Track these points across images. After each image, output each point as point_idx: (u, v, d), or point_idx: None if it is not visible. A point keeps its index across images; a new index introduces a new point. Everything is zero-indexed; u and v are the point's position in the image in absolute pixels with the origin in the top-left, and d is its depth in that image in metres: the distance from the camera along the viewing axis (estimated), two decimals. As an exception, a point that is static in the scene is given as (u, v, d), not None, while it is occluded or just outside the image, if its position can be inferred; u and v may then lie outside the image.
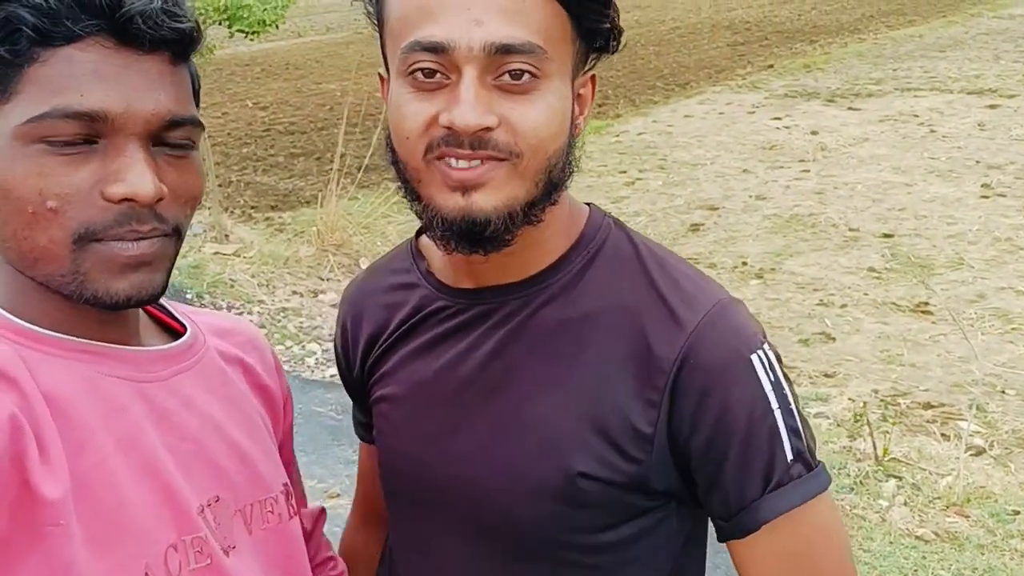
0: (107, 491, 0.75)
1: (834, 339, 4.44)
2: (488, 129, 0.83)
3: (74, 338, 0.80)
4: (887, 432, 3.49)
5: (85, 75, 0.75)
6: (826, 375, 4.08)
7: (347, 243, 5.71)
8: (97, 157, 0.76)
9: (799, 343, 4.40)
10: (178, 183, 0.80)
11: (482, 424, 0.95)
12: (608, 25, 0.89)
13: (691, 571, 1.02)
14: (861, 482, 3.25)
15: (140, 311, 0.89)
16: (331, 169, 5.85)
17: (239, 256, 5.67)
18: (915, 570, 2.83)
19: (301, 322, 4.90)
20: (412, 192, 0.90)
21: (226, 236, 5.93)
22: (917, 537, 2.97)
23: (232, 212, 6.63)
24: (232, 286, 5.27)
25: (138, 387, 0.82)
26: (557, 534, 0.93)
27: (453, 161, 0.85)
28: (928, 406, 3.79)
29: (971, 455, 3.39)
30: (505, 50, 0.82)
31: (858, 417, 3.61)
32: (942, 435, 3.54)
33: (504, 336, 0.95)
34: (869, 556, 2.89)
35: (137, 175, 0.76)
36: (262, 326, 4.78)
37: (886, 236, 5.68)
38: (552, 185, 0.89)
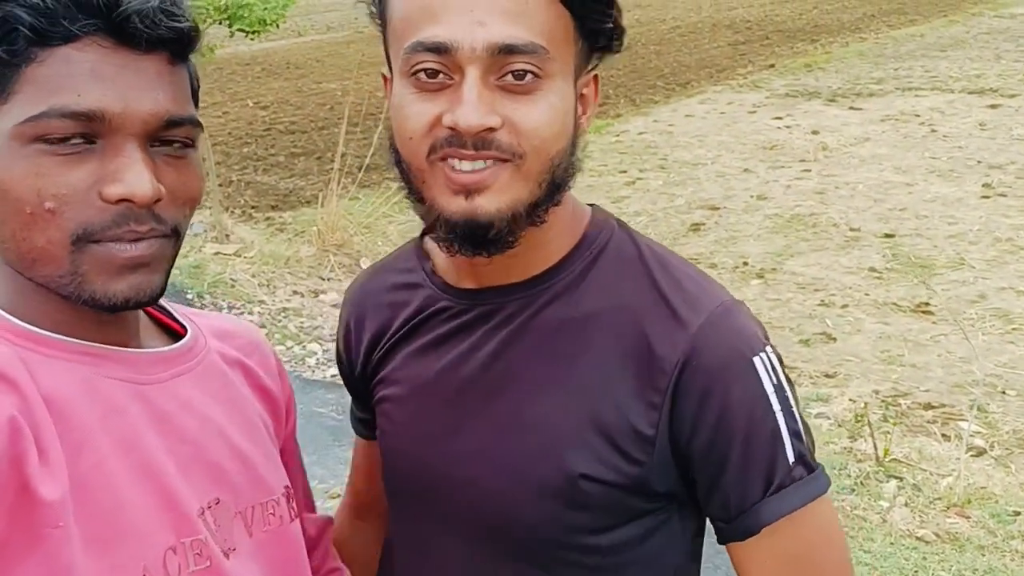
0: (105, 492, 0.75)
1: (835, 339, 4.44)
2: (491, 129, 0.83)
3: (74, 340, 0.80)
4: (888, 433, 3.48)
5: (82, 75, 0.75)
6: (827, 375, 4.08)
7: (348, 243, 5.71)
8: (95, 157, 0.76)
9: (800, 343, 4.40)
10: (177, 184, 0.80)
11: (483, 424, 0.95)
12: (611, 25, 0.89)
13: (691, 573, 1.01)
14: (862, 483, 3.25)
15: (141, 313, 0.89)
16: (332, 169, 5.85)
17: (240, 256, 5.67)
18: (916, 571, 2.83)
19: (302, 322, 4.90)
20: (415, 194, 0.90)
21: (227, 236, 5.93)
22: (918, 538, 2.97)
23: (233, 212, 6.63)
24: (233, 286, 5.26)
25: (137, 389, 0.81)
26: (557, 535, 0.93)
27: (456, 163, 0.85)
28: (929, 407, 3.79)
29: (972, 456, 3.39)
30: (508, 50, 0.82)
31: (859, 418, 3.60)
32: (943, 436, 3.54)
33: (506, 336, 0.95)
34: (870, 557, 2.89)
35: (135, 175, 0.75)
36: (263, 326, 4.78)
37: (887, 236, 5.68)
38: (555, 185, 0.89)
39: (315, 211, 6.07)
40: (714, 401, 0.88)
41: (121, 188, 0.75)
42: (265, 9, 5.69)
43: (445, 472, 0.98)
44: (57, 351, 0.78)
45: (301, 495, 1.04)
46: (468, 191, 0.85)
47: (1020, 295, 4.81)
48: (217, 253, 5.68)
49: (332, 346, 1.11)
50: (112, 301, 0.77)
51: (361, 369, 1.09)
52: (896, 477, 3.27)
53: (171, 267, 0.83)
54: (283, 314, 4.99)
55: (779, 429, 0.90)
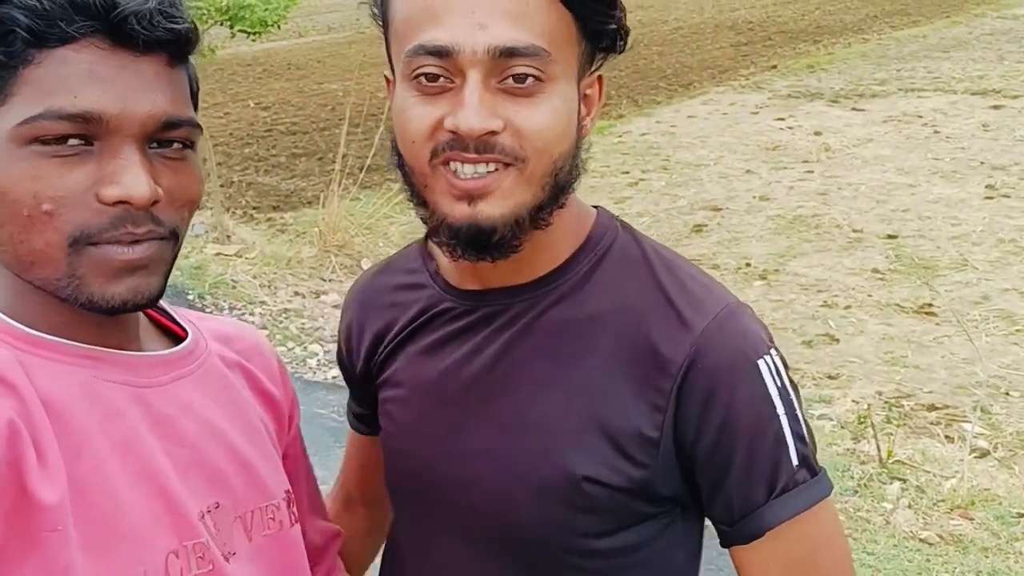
0: (104, 495, 0.75)
1: (838, 340, 4.43)
2: (493, 133, 0.83)
3: (73, 342, 0.79)
4: (891, 434, 3.48)
5: (79, 76, 0.74)
6: (830, 377, 4.07)
7: (349, 244, 5.71)
8: (92, 159, 0.75)
9: (803, 344, 4.39)
10: (175, 186, 0.79)
11: (486, 425, 0.95)
12: (613, 26, 0.88)
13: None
14: (865, 484, 3.24)
15: (141, 315, 0.89)
16: (333, 170, 5.85)
17: (241, 257, 5.67)
18: (919, 573, 2.82)
19: (303, 323, 4.90)
20: (418, 197, 0.90)
21: (228, 237, 5.94)
22: (921, 540, 2.96)
23: (234, 213, 6.64)
24: (234, 287, 5.26)
25: (137, 392, 0.81)
26: (558, 537, 0.93)
27: (459, 167, 0.84)
28: (932, 408, 3.78)
29: (975, 457, 3.38)
30: (509, 53, 0.82)
31: (862, 419, 3.60)
32: (946, 437, 3.53)
33: (510, 338, 0.95)
34: (873, 559, 2.88)
35: (132, 177, 0.75)
36: (264, 327, 4.78)
37: (890, 237, 5.67)
38: (559, 188, 0.89)
39: (316, 212, 6.07)
40: (718, 403, 0.88)
41: (118, 190, 0.75)
42: (266, 10, 5.69)
43: (447, 472, 0.97)
44: (56, 354, 0.78)
45: (306, 500, 1.03)
46: (471, 197, 0.85)
47: (1023, 296, 4.80)
48: (218, 254, 5.69)
49: (333, 347, 1.12)
50: (110, 303, 0.77)
51: (363, 368, 1.08)
52: (899, 479, 3.26)
53: (170, 269, 0.82)
54: (284, 315, 4.99)
55: (783, 432, 0.89)
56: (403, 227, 5.77)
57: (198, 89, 0.86)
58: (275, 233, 6.27)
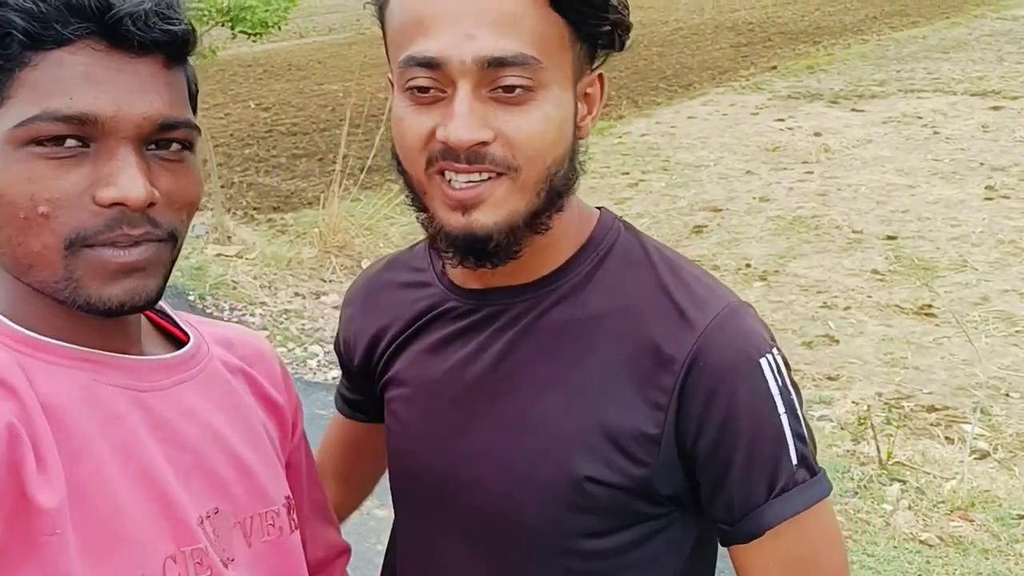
0: (103, 500, 0.75)
1: (838, 342, 4.43)
2: (484, 143, 0.83)
3: (73, 346, 0.79)
4: (891, 435, 3.48)
5: (75, 78, 0.74)
6: (829, 378, 4.07)
7: (349, 245, 5.71)
8: (89, 161, 0.75)
9: (802, 345, 4.39)
10: (173, 188, 0.79)
11: (489, 425, 0.95)
12: (608, 28, 0.88)
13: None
14: (865, 486, 3.24)
15: (143, 319, 0.88)
16: (333, 170, 5.85)
17: (241, 258, 5.67)
18: (919, 575, 2.82)
19: (303, 324, 4.90)
20: (418, 203, 0.90)
21: (228, 238, 5.94)
22: (921, 541, 2.96)
23: (234, 213, 6.64)
24: (234, 288, 5.26)
25: (137, 396, 0.81)
26: (559, 537, 0.93)
27: (453, 176, 0.85)
28: (932, 409, 3.78)
29: (975, 459, 3.38)
30: (498, 63, 0.82)
31: (862, 420, 3.60)
32: (946, 438, 3.53)
33: (512, 337, 0.95)
34: (873, 561, 2.88)
35: (128, 179, 0.75)
36: (264, 328, 4.78)
37: (890, 238, 5.67)
38: (555, 193, 0.89)
39: (317, 213, 6.07)
40: (720, 402, 0.88)
41: (114, 192, 0.74)
42: (267, 11, 5.69)
43: (450, 473, 0.98)
44: (56, 357, 0.78)
45: (309, 508, 1.03)
46: (464, 206, 0.85)
47: (1023, 297, 4.80)
48: (219, 255, 5.69)
49: (333, 347, 1.12)
50: (107, 305, 0.77)
51: (361, 362, 1.09)
52: (899, 480, 3.26)
53: (169, 271, 0.82)
54: (284, 316, 4.98)
55: (783, 431, 0.90)
56: (403, 228, 5.77)
57: (197, 91, 0.86)
58: (275, 234, 6.27)
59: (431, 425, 1.00)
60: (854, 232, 5.80)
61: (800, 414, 0.92)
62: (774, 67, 10.82)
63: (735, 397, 0.88)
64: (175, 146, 0.79)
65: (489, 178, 0.85)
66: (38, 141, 0.73)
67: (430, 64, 0.83)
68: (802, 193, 6.60)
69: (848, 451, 3.46)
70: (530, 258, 0.92)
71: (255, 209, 6.82)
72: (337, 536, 1.10)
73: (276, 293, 5.24)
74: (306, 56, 13.27)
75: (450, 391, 0.98)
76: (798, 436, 0.91)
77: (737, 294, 0.96)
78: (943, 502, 3.13)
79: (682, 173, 7.24)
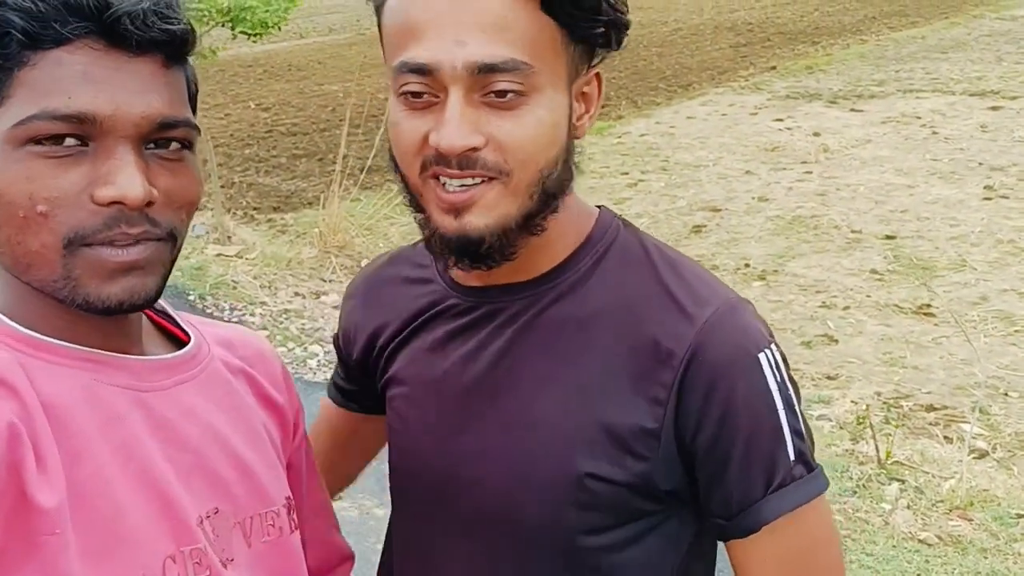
0: (103, 500, 0.75)
1: (836, 341, 4.43)
2: (475, 149, 0.84)
3: (74, 345, 0.79)
4: (890, 435, 3.48)
5: (73, 77, 0.74)
6: (828, 377, 4.07)
7: (349, 245, 5.71)
8: (87, 160, 0.75)
9: (801, 345, 4.40)
10: (172, 187, 0.79)
11: (489, 423, 0.96)
12: (601, 29, 0.88)
13: (699, 574, 1.01)
14: (864, 485, 3.24)
15: (144, 320, 0.89)
16: (333, 170, 5.85)
17: (241, 258, 5.67)
18: (918, 574, 2.82)
19: (303, 324, 4.90)
20: (415, 204, 0.91)
21: (228, 238, 5.94)
22: (920, 541, 2.96)
23: (234, 213, 6.64)
24: (234, 288, 5.27)
25: (138, 396, 0.81)
26: (559, 535, 0.93)
27: (446, 180, 0.86)
28: (931, 408, 3.79)
29: (974, 458, 3.38)
30: (489, 69, 0.82)
31: (861, 420, 3.60)
32: (945, 438, 3.53)
33: (512, 335, 0.95)
34: (872, 560, 2.88)
35: (126, 178, 0.75)
36: (264, 328, 4.79)
37: (888, 238, 5.68)
38: (548, 195, 0.89)
39: (317, 213, 6.07)
40: (719, 397, 0.89)
41: (112, 190, 0.74)
42: (267, 11, 5.69)
43: (450, 472, 0.98)
44: (57, 357, 0.78)
45: (308, 509, 1.03)
46: (457, 210, 0.86)
47: (1022, 297, 4.80)
48: (219, 255, 5.69)
49: (332, 339, 1.14)
50: (106, 304, 0.77)
51: (360, 356, 1.10)
52: (898, 479, 3.27)
53: (168, 271, 0.82)
54: (284, 316, 4.99)
55: (781, 427, 0.90)
56: (403, 228, 5.77)
57: (197, 91, 0.86)
58: (276, 234, 6.27)
59: (431, 424, 1.00)
60: (853, 232, 5.81)
61: (798, 410, 0.93)
62: (773, 67, 10.82)
63: (734, 392, 0.89)
64: (174, 145, 0.79)
65: (482, 182, 0.86)
66: (37, 140, 0.74)
67: (422, 70, 0.83)
68: (801, 193, 6.60)
69: (847, 450, 3.46)
70: (529, 256, 0.93)
71: (255, 209, 6.82)
72: (340, 539, 1.09)
73: (276, 293, 5.25)
74: (306, 56, 13.27)
75: (450, 390, 0.98)
76: (796, 432, 0.91)
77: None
78: (942, 501, 3.13)
79: (681, 173, 7.24)
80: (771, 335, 0.94)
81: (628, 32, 0.91)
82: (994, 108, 8.44)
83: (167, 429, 0.81)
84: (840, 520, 3.06)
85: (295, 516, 0.93)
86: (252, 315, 4.97)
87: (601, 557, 0.94)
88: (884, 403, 3.82)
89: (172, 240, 0.80)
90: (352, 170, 6.03)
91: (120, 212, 0.75)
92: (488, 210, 0.86)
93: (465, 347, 0.98)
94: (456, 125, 0.83)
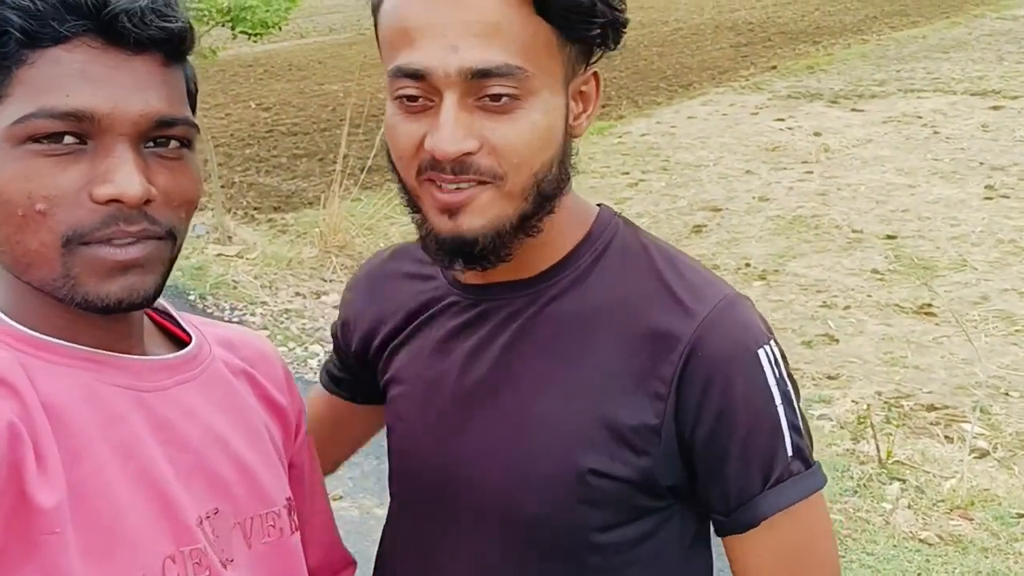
0: (103, 500, 0.75)
1: (837, 341, 4.43)
2: (469, 153, 0.84)
3: (75, 345, 0.79)
4: (890, 434, 3.48)
5: (72, 75, 0.74)
6: (829, 377, 4.07)
7: (350, 244, 5.71)
8: (86, 158, 0.75)
9: (802, 345, 4.39)
10: (171, 185, 0.79)
11: (489, 422, 0.96)
12: (597, 31, 0.88)
13: (696, 573, 1.01)
14: (865, 485, 3.24)
15: (146, 320, 0.89)
16: (334, 170, 5.85)
17: (242, 257, 5.67)
18: (919, 574, 2.82)
19: (304, 324, 4.90)
20: (413, 205, 0.92)
21: (229, 237, 5.94)
22: (921, 540, 2.96)
23: (235, 213, 6.64)
24: (235, 287, 5.27)
25: (138, 396, 0.81)
26: (564, 532, 0.93)
27: (441, 183, 0.86)
28: (932, 408, 3.78)
29: (975, 458, 3.38)
30: (482, 74, 0.83)
31: (861, 419, 3.60)
32: (946, 437, 3.53)
33: (512, 333, 0.96)
34: (873, 559, 2.88)
35: (125, 176, 0.75)
36: (264, 328, 4.79)
37: (889, 238, 5.68)
38: (543, 197, 0.90)
39: (317, 213, 6.07)
40: (717, 391, 0.89)
41: (111, 188, 0.74)
42: (268, 11, 5.68)
43: (452, 471, 0.98)
44: (58, 357, 0.78)
45: (310, 511, 1.02)
46: (451, 210, 0.87)
47: (1023, 297, 4.80)
48: (219, 255, 5.69)
49: (331, 328, 1.15)
50: (105, 302, 0.77)
51: (360, 347, 1.10)
52: (899, 479, 3.26)
53: (168, 270, 0.82)
54: (285, 315, 4.99)
55: (779, 422, 0.91)
56: (404, 228, 5.77)
57: (196, 90, 0.86)
58: (276, 234, 6.27)
59: (431, 423, 1.00)
60: (854, 232, 5.80)
61: (796, 406, 0.93)
62: (774, 67, 10.82)
63: (732, 387, 0.89)
64: (174, 144, 0.79)
65: (477, 184, 0.86)
66: (35, 138, 0.74)
67: (416, 75, 0.84)
68: (802, 193, 6.60)
69: (848, 450, 3.46)
70: (529, 254, 0.93)
71: (256, 209, 6.82)
72: (339, 543, 1.09)
73: (277, 293, 5.25)
74: (307, 56, 13.27)
75: (450, 389, 0.99)
76: (794, 428, 0.92)
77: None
78: (943, 501, 3.13)
79: (682, 173, 7.24)
80: (770, 331, 0.94)
81: (627, 31, 0.91)
82: (995, 108, 8.43)
83: (167, 429, 0.81)
84: (841, 520, 3.06)
85: (296, 517, 0.93)
86: (253, 315, 4.97)
87: (606, 556, 0.94)
88: (885, 403, 3.82)
89: (172, 239, 0.80)
90: (352, 170, 6.04)
91: (118, 210, 0.75)
92: (483, 212, 0.87)
93: (465, 346, 0.98)
94: (450, 130, 0.83)
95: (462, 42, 0.82)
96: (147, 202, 0.76)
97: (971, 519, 3.04)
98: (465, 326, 0.98)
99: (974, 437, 3.47)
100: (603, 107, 9.31)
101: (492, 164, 0.85)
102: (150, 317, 0.91)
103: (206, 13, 5.42)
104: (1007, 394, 3.86)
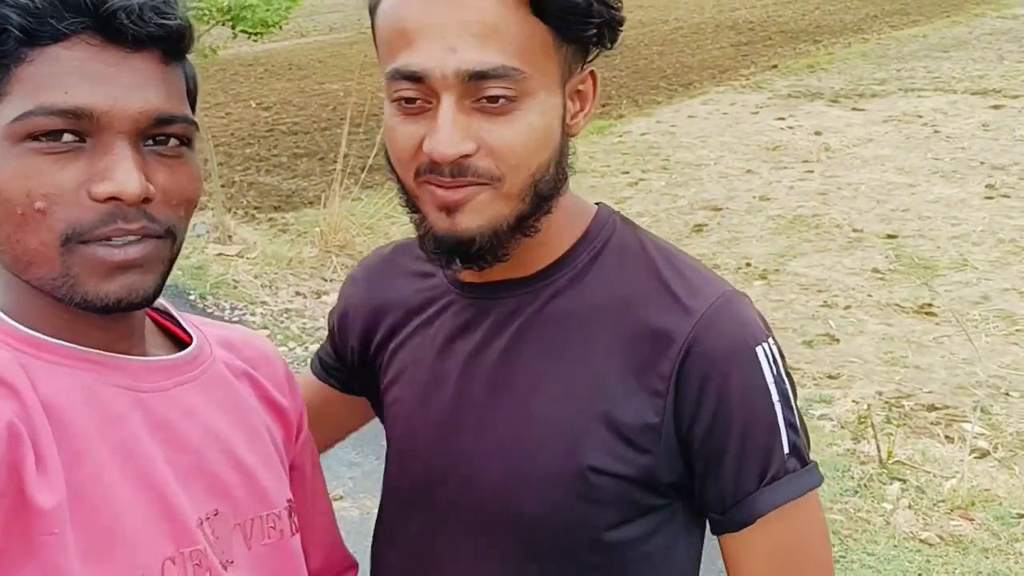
0: (103, 500, 0.74)
1: (838, 340, 4.43)
2: (467, 156, 0.85)
3: (75, 346, 0.79)
4: (891, 434, 3.48)
5: (71, 73, 0.74)
6: (830, 377, 4.07)
7: (350, 244, 5.71)
8: (85, 156, 0.75)
9: (803, 344, 4.39)
10: (171, 184, 0.79)
11: (491, 420, 0.96)
12: (593, 31, 0.88)
13: (689, 572, 1.01)
14: (865, 485, 3.24)
15: (147, 320, 0.88)
16: (334, 170, 5.85)
17: (242, 257, 5.67)
18: (919, 574, 2.82)
19: (304, 323, 4.90)
20: (411, 205, 0.92)
21: (229, 237, 5.94)
22: (921, 540, 2.96)
23: (235, 213, 6.64)
24: (235, 287, 5.27)
25: (138, 397, 0.80)
26: (565, 531, 0.93)
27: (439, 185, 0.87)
28: (932, 408, 3.78)
29: (975, 458, 3.38)
30: (480, 76, 0.83)
31: (862, 419, 3.60)
32: (946, 437, 3.53)
33: (512, 331, 0.96)
34: (873, 560, 2.88)
35: (123, 173, 0.74)
36: (265, 327, 4.79)
37: (890, 237, 5.67)
38: (540, 197, 0.90)
39: (317, 212, 6.07)
40: (714, 388, 0.89)
41: (109, 186, 0.74)
42: (268, 10, 5.68)
43: (454, 471, 0.98)
44: (58, 357, 0.78)
45: (311, 512, 1.02)
46: (450, 208, 0.87)
47: (1023, 296, 4.79)
48: (219, 254, 5.69)
49: (327, 317, 1.16)
50: (104, 302, 0.76)
51: (357, 340, 1.10)
52: (899, 479, 3.26)
53: (168, 269, 0.81)
54: (285, 315, 4.99)
55: (776, 420, 0.91)
56: (405, 227, 5.74)
57: (196, 89, 0.86)
58: (276, 233, 6.27)
59: (432, 423, 1.00)
60: (854, 231, 5.80)
61: (793, 404, 0.93)
62: (774, 66, 10.82)
63: (729, 384, 0.89)
64: (173, 142, 0.79)
65: (475, 184, 0.87)
66: (34, 136, 0.74)
67: (414, 77, 0.84)
68: (802, 192, 6.59)
69: (848, 450, 3.46)
70: (527, 252, 0.93)
71: (256, 208, 6.82)
72: (341, 545, 1.09)
73: (277, 292, 5.25)
74: (307, 55, 13.27)
75: (451, 388, 0.98)
76: (791, 425, 0.92)
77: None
78: (943, 501, 3.13)
79: (682, 172, 7.24)
80: (768, 329, 0.94)
81: (623, 29, 0.92)
82: (996, 107, 8.43)
83: (167, 430, 0.81)
84: (841, 520, 3.06)
85: (296, 519, 0.93)
86: (253, 315, 4.97)
87: (609, 554, 0.94)
88: (885, 402, 3.82)
89: (171, 238, 0.80)
90: (353, 169, 6.03)
91: (117, 208, 0.75)
92: (480, 211, 0.87)
93: (465, 345, 0.98)
94: (448, 132, 0.84)
95: (460, 43, 0.83)
96: (146, 200, 0.76)
97: (972, 519, 3.04)
98: (464, 326, 0.99)
99: (975, 437, 3.47)
100: (603, 106, 9.32)
101: (490, 166, 0.86)
102: (151, 318, 0.91)
103: (206, 12, 5.42)
104: (1007, 394, 3.86)
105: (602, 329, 0.93)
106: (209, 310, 4.98)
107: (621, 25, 0.91)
